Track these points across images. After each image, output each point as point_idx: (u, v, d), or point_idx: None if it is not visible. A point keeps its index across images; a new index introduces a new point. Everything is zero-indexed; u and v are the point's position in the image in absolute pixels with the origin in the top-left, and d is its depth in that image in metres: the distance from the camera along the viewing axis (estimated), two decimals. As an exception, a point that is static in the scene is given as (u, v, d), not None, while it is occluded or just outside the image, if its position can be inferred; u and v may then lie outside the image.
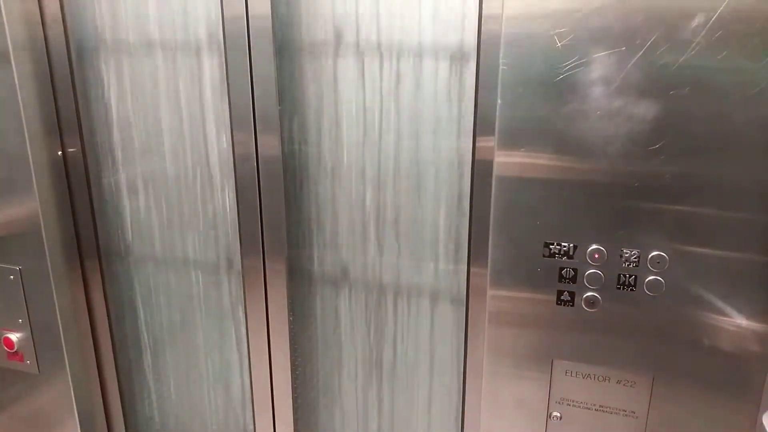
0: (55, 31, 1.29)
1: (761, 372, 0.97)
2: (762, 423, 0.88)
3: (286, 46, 1.19)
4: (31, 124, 1.27)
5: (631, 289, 0.99)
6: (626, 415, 1.07)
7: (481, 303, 1.12)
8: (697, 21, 0.86)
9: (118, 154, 1.38)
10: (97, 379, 1.52)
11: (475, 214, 1.13)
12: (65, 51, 1.29)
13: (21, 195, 1.30)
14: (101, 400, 1.54)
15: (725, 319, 0.97)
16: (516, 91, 0.96)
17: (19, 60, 1.23)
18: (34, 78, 1.27)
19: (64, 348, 1.40)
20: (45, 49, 1.29)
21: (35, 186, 1.29)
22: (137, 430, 1.62)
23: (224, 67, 1.19)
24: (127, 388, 1.57)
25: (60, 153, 1.35)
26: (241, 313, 1.42)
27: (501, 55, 0.95)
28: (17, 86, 1.23)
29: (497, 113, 0.98)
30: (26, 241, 1.33)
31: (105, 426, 1.56)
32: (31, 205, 1.30)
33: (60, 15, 1.28)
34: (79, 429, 1.47)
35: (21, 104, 1.24)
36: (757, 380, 0.97)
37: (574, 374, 1.08)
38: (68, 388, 1.43)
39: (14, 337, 1.42)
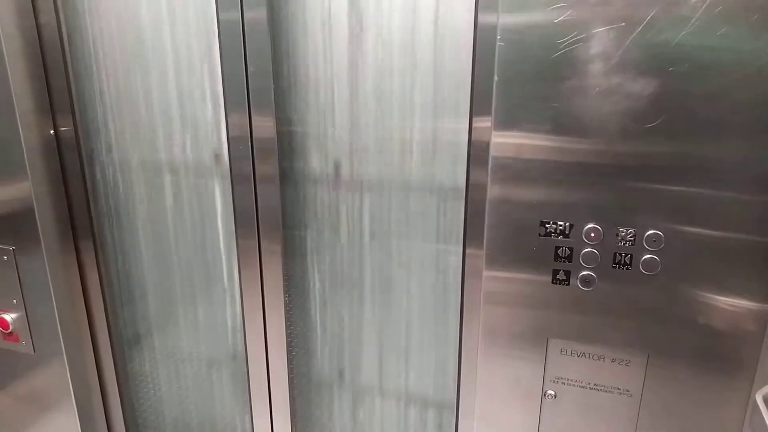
0: (46, 6, 1.26)
1: (755, 351, 0.97)
2: (755, 401, 0.89)
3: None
4: (22, 102, 1.25)
5: (627, 268, 0.99)
6: (621, 394, 1.08)
7: (476, 283, 1.12)
8: (697, -4, 0.85)
9: (112, 132, 1.37)
10: (93, 358, 1.52)
11: (471, 196, 1.12)
12: (56, 27, 1.27)
13: (13, 174, 1.29)
14: (97, 380, 1.54)
15: (720, 298, 0.97)
16: (513, 68, 0.95)
17: (9, 36, 1.21)
18: (24, 55, 1.25)
19: (59, 328, 1.40)
20: (35, 25, 1.26)
21: (27, 165, 1.28)
22: (134, 410, 1.63)
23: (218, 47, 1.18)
24: (122, 367, 1.57)
25: (52, 132, 1.34)
26: (237, 286, 1.41)
27: (498, 30, 0.93)
28: (7, 64, 1.21)
29: (494, 90, 0.97)
30: (19, 221, 1.32)
31: (101, 405, 1.57)
32: (23, 184, 1.29)
33: (50, -10, 1.26)
34: (75, 408, 1.48)
35: (11, 82, 1.22)
36: (751, 359, 0.97)
37: (569, 353, 1.08)
38: (64, 367, 1.43)
39: (9, 317, 1.42)
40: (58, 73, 1.30)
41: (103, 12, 1.28)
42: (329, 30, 1.16)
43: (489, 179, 1.02)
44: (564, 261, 1.02)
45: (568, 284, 1.03)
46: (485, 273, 1.08)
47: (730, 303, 0.96)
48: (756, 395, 0.90)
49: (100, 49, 1.30)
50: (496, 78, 0.96)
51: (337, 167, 1.26)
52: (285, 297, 1.33)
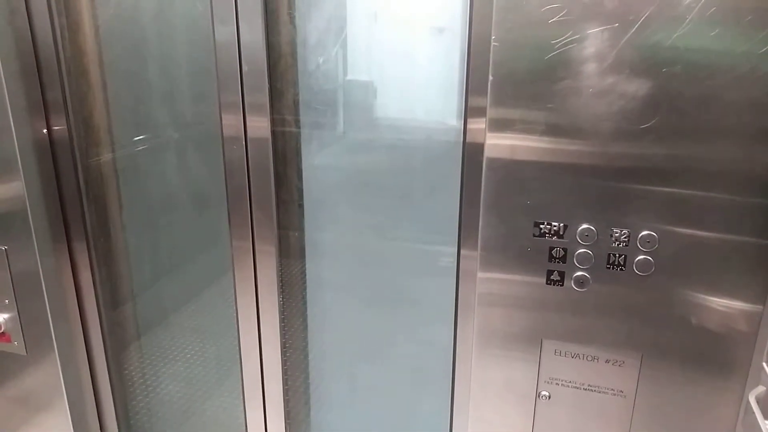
0: (39, 2, 1.25)
1: (748, 351, 0.97)
2: (749, 401, 0.89)
3: None
4: (15, 100, 1.25)
5: (621, 269, 0.99)
6: (614, 394, 1.08)
7: (470, 285, 1.12)
8: (690, -4, 0.85)
9: (106, 131, 1.36)
10: (86, 359, 1.51)
11: (465, 197, 1.12)
12: (49, 23, 1.26)
13: (5, 173, 1.28)
14: (90, 381, 1.53)
15: (713, 298, 0.97)
16: (508, 68, 0.95)
17: (1, 34, 1.20)
18: (17, 53, 1.24)
19: (51, 329, 1.39)
20: (28, 22, 1.26)
21: (20, 164, 1.27)
22: (126, 411, 1.62)
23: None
24: (115, 368, 1.56)
25: (45, 131, 1.33)
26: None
27: (492, 31, 0.93)
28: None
29: (488, 90, 0.97)
30: (12, 220, 1.31)
31: (94, 407, 1.56)
32: (15, 183, 1.28)
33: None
34: (68, 410, 1.47)
35: (3, 80, 1.21)
36: (744, 359, 0.98)
37: (563, 354, 1.08)
38: (57, 369, 1.42)
39: (1, 317, 1.40)
40: (51, 72, 1.30)
41: (96, 8, 1.27)
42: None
43: (483, 180, 1.02)
44: (558, 262, 1.02)
45: (563, 285, 1.03)
46: (479, 274, 1.07)
47: (723, 304, 0.97)
48: (749, 395, 0.90)
49: (94, 47, 1.30)
50: (491, 78, 0.96)
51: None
52: (279, 297, 1.33)
